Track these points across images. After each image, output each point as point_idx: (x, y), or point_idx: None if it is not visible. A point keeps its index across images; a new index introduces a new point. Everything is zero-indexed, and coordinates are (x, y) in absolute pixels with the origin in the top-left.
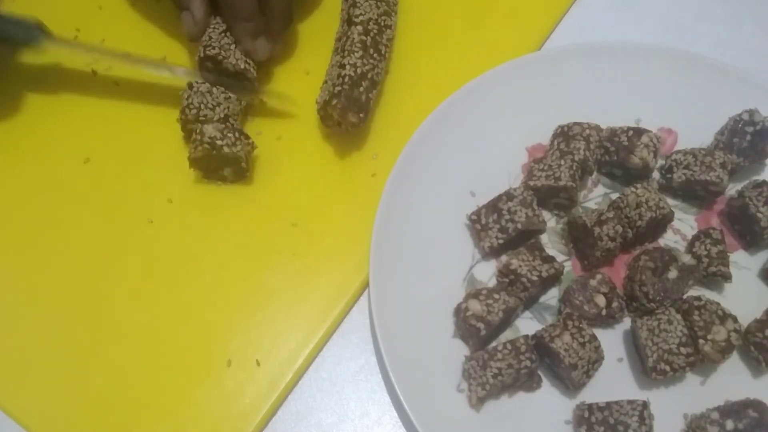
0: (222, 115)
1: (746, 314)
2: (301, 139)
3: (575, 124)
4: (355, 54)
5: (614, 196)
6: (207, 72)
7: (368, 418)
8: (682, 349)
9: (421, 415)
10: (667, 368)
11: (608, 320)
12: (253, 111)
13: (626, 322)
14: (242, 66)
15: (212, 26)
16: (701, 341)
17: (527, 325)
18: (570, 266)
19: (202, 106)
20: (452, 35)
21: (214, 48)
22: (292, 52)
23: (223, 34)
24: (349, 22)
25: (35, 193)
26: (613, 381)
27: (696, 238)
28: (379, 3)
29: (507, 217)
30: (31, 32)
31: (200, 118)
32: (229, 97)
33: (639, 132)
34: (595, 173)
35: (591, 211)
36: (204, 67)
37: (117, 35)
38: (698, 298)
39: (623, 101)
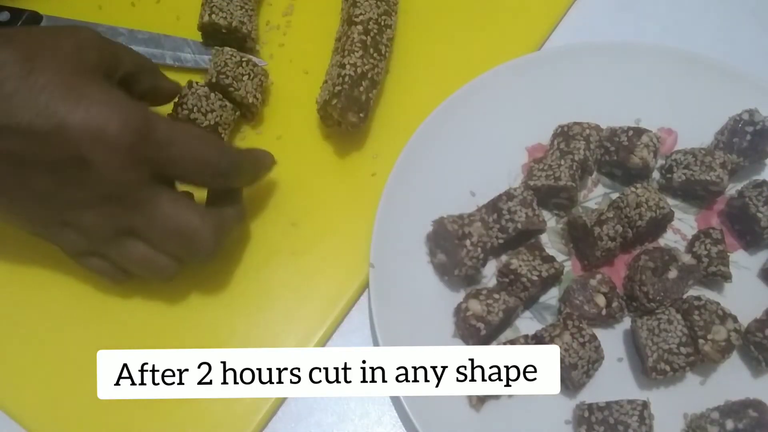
0: (212, 122)
1: (746, 314)
2: (301, 138)
3: (575, 124)
4: (356, 53)
5: (614, 196)
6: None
7: (368, 418)
8: (682, 349)
9: (421, 414)
10: (667, 368)
11: (608, 320)
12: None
13: (626, 322)
14: (250, 100)
15: (229, 54)
16: (701, 341)
17: (527, 325)
18: (570, 266)
19: (195, 109)
20: (452, 35)
21: (227, 77)
22: (292, 52)
23: (238, 65)
24: (349, 21)
25: None
26: (613, 381)
27: (696, 238)
28: (379, 2)
29: (507, 216)
30: None
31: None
32: (225, 105)
33: (639, 132)
34: (595, 173)
35: (591, 211)
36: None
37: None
38: (698, 298)
39: (623, 101)
